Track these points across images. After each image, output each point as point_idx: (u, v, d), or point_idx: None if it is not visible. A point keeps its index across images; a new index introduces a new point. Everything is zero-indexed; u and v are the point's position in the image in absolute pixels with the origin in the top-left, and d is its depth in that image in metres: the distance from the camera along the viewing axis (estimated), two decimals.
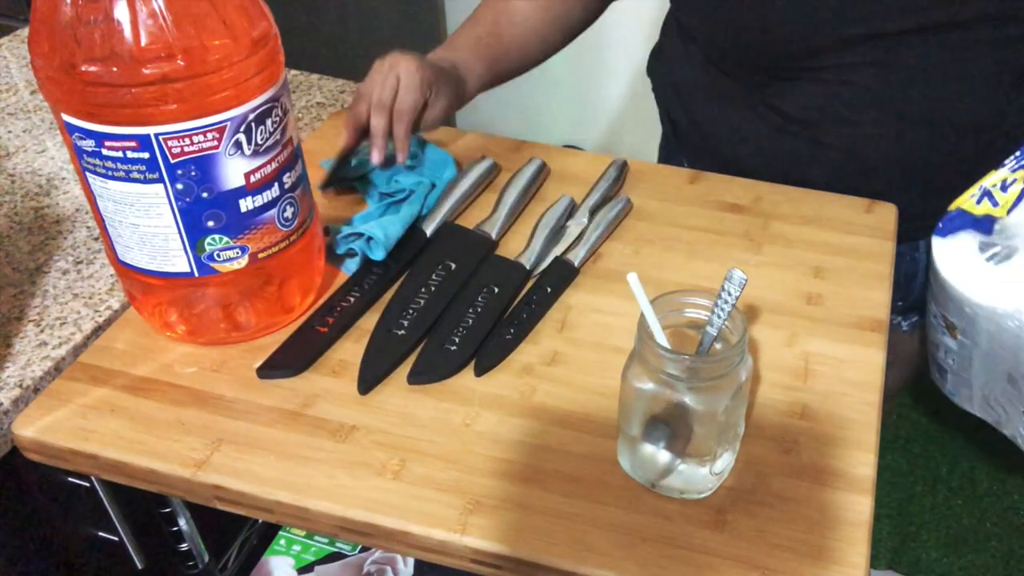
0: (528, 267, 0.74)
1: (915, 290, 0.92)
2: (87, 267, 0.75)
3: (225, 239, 0.61)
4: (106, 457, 0.60)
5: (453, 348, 0.67)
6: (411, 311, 0.70)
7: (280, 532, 0.92)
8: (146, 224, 0.60)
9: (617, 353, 0.66)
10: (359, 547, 0.90)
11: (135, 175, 0.57)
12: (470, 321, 0.69)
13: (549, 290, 0.72)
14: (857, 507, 0.56)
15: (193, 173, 0.58)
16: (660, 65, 0.99)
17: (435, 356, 0.66)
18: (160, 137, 0.56)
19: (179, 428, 0.61)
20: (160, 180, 0.57)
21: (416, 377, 0.64)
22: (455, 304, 0.71)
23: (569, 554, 0.54)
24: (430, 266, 0.74)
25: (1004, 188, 0.71)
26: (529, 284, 0.74)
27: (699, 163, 0.94)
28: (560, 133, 2.10)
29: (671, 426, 0.55)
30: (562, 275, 0.74)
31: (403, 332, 0.68)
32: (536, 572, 0.55)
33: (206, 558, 0.82)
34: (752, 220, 0.81)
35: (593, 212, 0.79)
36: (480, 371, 0.65)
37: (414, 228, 0.77)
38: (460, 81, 0.83)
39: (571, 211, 0.79)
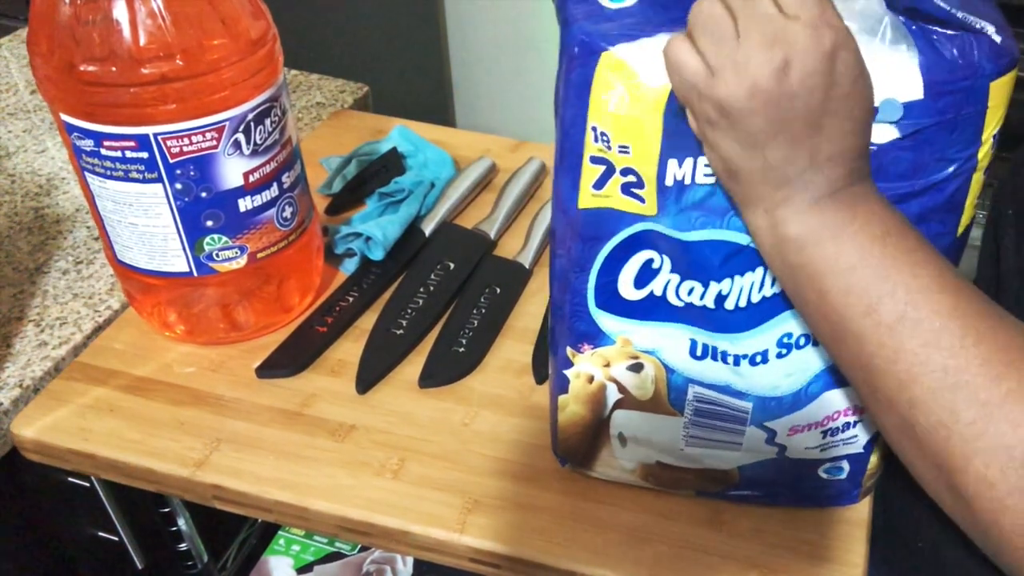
0: (528, 266, 0.74)
1: None
2: (87, 267, 0.75)
3: (224, 239, 0.61)
4: (105, 457, 0.60)
5: (461, 350, 0.67)
6: (410, 311, 0.70)
7: (279, 532, 0.92)
8: (145, 224, 0.60)
9: None
10: (358, 547, 0.90)
11: (134, 175, 0.57)
12: (475, 323, 0.69)
13: None
14: (856, 507, 0.56)
15: (192, 173, 0.58)
16: None
17: (444, 358, 0.66)
18: (159, 137, 0.56)
19: (178, 428, 0.61)
20: (159, 180, 0.58)
21: (427, 380, 0.64)
22: (459, 305, 0.71)
23: (568, 553, 0.54)
24: (429, 266, 0.74)
25: None
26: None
27: None
28: None
29: None
30: None
31: (402, 332, 0.68)
32: (535, 571, 0.55)
33: (205, 558, 0.82)
34: None
35: None
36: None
37: (413, 228, 0.77)
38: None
39: None
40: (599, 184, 0.45)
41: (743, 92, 0.38)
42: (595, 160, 0.44)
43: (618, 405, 0.52)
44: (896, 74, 0.40)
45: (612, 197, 0.45)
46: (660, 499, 0.57)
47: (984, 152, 0.42)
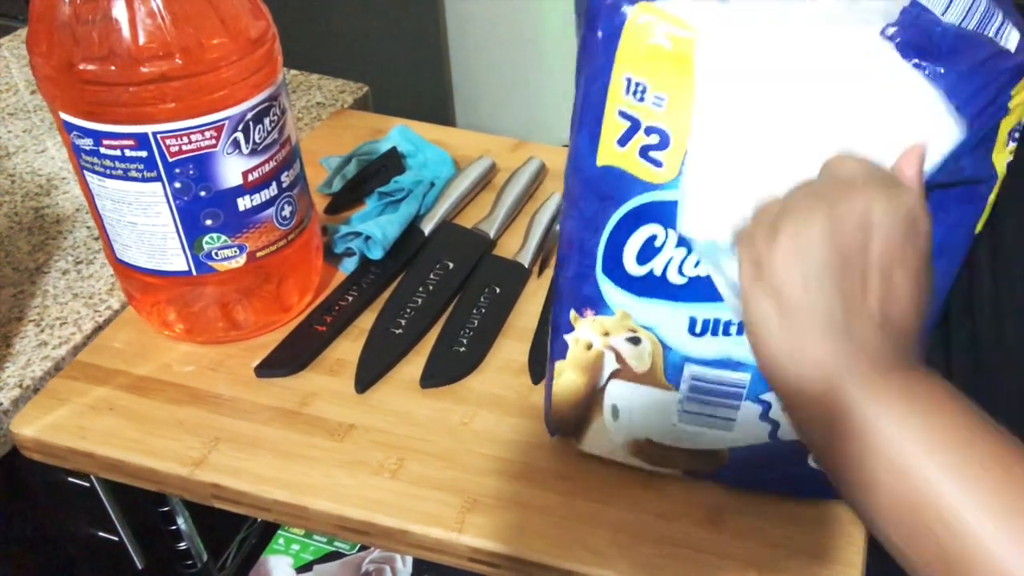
0: (527, 266, 0.74)
1: None
2: (87, 267, 0.75)
3: (223, 238, 0.61)
4: (104, 456, 0.60)
5: (462, 350, 0.67)
6: (409, 310, 0.70)
7: (279, 531, 0.92)
8: (144, 223, 0.60)
9: None
10: (357, 546, 0.90)
11: (133, 174, 0.57)
12: (475, 322, 0.69)
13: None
14: None
15: (191, 172, 0.58)
16: None
17: (445, 358, 0.66)
18: (158, 136, 0.56)
19: (177, 427, 0.61)
20: (158, 179, 0.58)
21: (429, 380, 0.64)
22: (459, 305, 0.71)
23: (567, 553, 0.54)
24: (428, 265, 0.74)
25: None
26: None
27: None
28: (560, 133, 2.10)
29: None
30: None
31: (401, 331, 0.68)
32: (533, 571, 0.55)
33: (204, 557, 0.82)
34: None
35: None
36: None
37: (412, 227, 0.77)
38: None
39: None
40: (624, 140, 0.44)
41: (823, 214, 0.37)
42: (623, 115, 0.43)
43: (614, 375, 0.52)
44: (930, 120, 0.40)
45: (629, 158, 0.44)
46: (659, 498, 0.57)
47: (1010, 149, 0.43)
